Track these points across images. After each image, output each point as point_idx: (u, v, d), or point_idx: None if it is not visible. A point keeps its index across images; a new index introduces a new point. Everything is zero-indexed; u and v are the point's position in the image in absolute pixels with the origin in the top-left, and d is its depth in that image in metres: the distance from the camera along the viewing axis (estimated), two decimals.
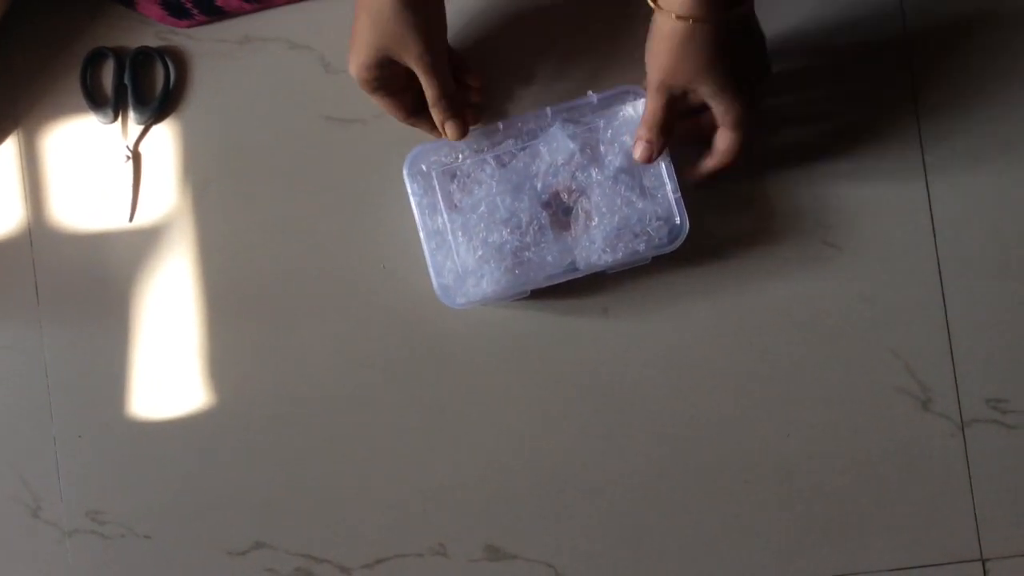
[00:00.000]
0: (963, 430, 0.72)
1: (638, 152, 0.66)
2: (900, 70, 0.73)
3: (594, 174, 0.69)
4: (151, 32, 0.76)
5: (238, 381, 0.75)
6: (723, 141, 0.66)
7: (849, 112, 0.73)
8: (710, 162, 0.67)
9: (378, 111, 0.74)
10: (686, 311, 0.73)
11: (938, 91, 0.72)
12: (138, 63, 0.76)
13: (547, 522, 0.74)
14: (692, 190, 0.69)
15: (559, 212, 0.70)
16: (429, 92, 0.65)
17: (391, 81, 0.66)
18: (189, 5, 0.74)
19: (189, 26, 0.75)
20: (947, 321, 0.72)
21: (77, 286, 0.76)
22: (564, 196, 0.69)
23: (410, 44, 0.62)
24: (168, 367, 0.76)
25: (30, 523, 0.76)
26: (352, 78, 0.65)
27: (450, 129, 0.67)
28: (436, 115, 0.67)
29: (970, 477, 0.72)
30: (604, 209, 0.68)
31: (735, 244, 0.73)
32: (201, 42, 0.76)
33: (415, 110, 0.69)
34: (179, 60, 0.76)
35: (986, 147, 0.72)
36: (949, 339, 0.72)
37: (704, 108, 0.64)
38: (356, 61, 0.64)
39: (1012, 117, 0.72)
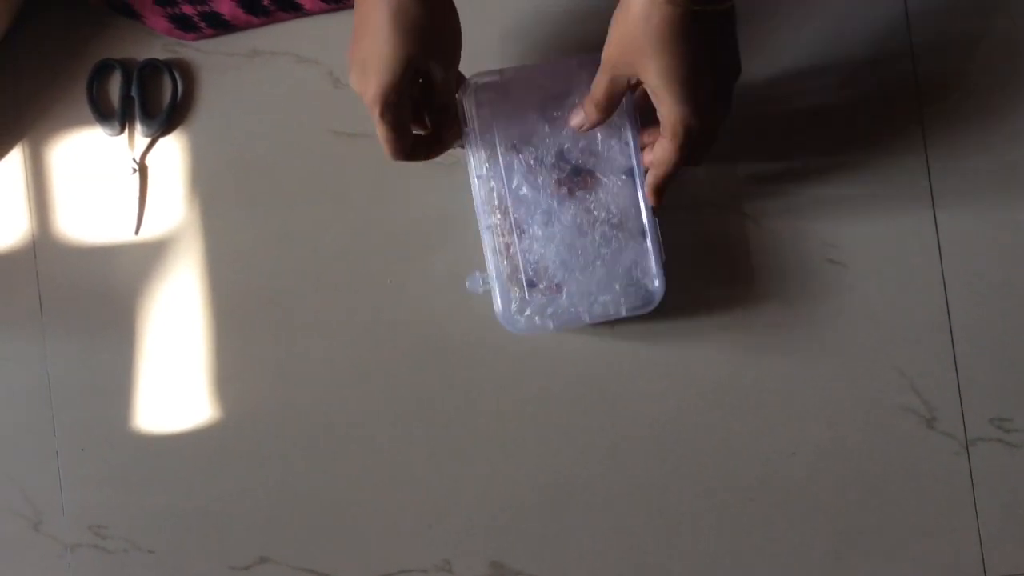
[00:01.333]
0: (967, 449, 0.73)
1: (573, 118, 0.65)
2: (906, 89, 0.74)
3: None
4: (159, 44, 0.76)
5: (242, 395, 0.76)
6: (658, 148, 0.60)
7: (855, 131, 0.74)
8: (649, 176, 0.63)
9: None
10: (691, 328, 0.74)
11: (944, 112, 0.74)
12: (145, 75, 0.76)
13: (552, 539, 0.74)
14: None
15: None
16: (448, 92, 0.63)
17: (408, 105, 0.60)
18: (196, 19, 0.74)
19: (196, 39, 0.76)
20: (952, 340, 0.73)
21: (81, 299, 0.76)
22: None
23: (452, 43, 0.59)
24: (172, 380, 0.76)
25: (31, 537, 0.76)
26: (368, 102, 0.59)
27: (452, 135, 0.66)
28: (446, 116, 0.65)
29: (974, 495, 0.73)
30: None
31: (740, 262, 0.74)
32: (209, 55, 0.76)
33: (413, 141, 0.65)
34: (187, 73, 0.76)
35: (992, 169, 0.73)
36: (954, 358, 0.73)
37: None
38: (381, 80, 0.57)
39: (1019, 140, 0.73)
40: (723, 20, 0.56)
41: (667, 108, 0.57)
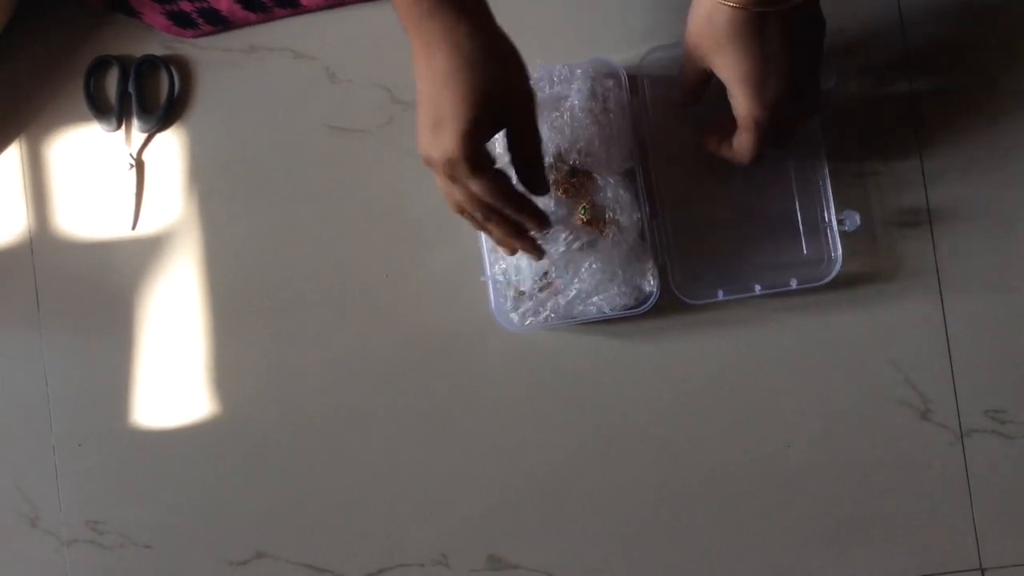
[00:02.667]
0: (962, 440, 0.74)
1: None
2: (898, 73, 0.75)
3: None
4: (156, 40, 0.78)
5: (239, 390, 0.77)
6: (737, 139, 0.63)
7: (849, 120, 0.75)
8: (726, 151, 0.65)
9: (382, 120, 0.76)
10: (685, 321, 0.75)
11: (939, 110, 0.75)
12: (142, 71, 0.77)
13: (549, 532, 0.75)
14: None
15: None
16: (534, 140, 0.59)
17: (487, 150, 0.57)
18: (195, 15, 0.76)
19: (194, 36, 0.77)
20: (946, 332, 0.74)
21: (78, 294, 0.77)
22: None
23: (521, 78, 0.56)
24: (169, 376, 0.77)
25: (28, 532, 0.77)
26: (441, 162, 0.55)
27: (542, 187, 0.61)
28: (535, 170, 0.60)
29: (969, 487, 0.74)
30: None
31: (731, 257, 0.75)
32: (206, 51, 0.78)
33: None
34: (184, 69, 0.78)
35: (984, 157, 0.75)
36: (948, 350, 0.75)
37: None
38: (457, 130, 0.54)
39: (1010, 128, 0.75)
40: (790, 18, 0.57)
41: (738, 104, 0.60)
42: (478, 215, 0.59)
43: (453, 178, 0.56)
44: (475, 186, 0.56)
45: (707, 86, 0.64)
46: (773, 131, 0.61)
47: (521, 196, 0.60)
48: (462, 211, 0.61)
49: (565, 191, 0.71)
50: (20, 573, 0.77)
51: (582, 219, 0.71)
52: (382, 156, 0.76)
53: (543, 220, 0.62)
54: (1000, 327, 0.75)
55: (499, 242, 0.64)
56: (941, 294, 0.75)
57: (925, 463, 0.74)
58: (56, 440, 0.77)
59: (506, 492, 0.76)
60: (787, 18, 0.57)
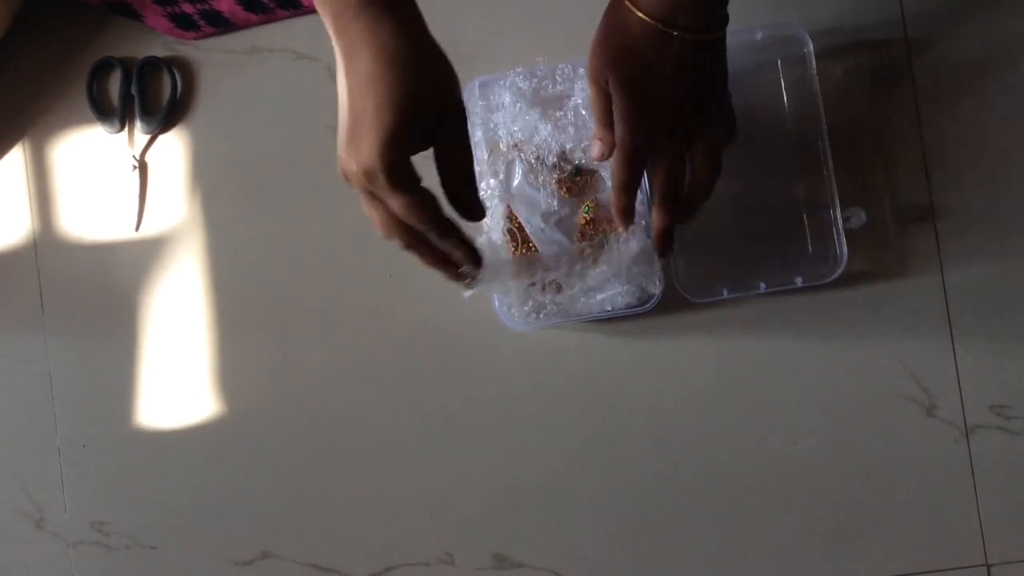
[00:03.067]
0: (967, 436, 0.74)
1: (592, 150, 0.64)
2: (899, 61, 0.76)
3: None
4: (158, 42, 0.78)
5: (243, 390, 0.77)
6: (612, 166, 0.60)
7: (852, 118, 0.75)
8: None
9: None
10: (687, 319, 0.76)
11: (943, 107, 0.75)
12: (145, 73, 0.78)
13: (553, 530, 0.76)
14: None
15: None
16: (464, 157, 0.53)
17: (411, 165, 0.51)
18: (196, 17, 0.76)
19: (196, 38, 0.77)
20: (951, 328, 0.75)
21: (82, 296, 0.78)
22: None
23: (451, 86, 0.51)
24: (173, 377, 0.78)
25: (34, 534, 0.78)
26: (359, 174, 0.50)
27: (477, 212, 0.55)
28: (467, 194, 0.55)
29: (974, 483, 0.74)
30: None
31: (735, 254, 0.75)
32: (208, 52, 0.78)
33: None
34: (186, 70, 0.78)
35: (988, 155, 0.75)
36: (953, 346, 0.75)
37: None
38: (377, 139, 0.48)
39: (1015, 125, 0.75)
40: (698, 47, 0.56)
41: (616, 100, 0.58)
42: (399, 240, 0.54)
43: (372, 195, 0.51)
44: (395, 204, 0.51)
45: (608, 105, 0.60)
46: (662, 176, 0.60)
47: (447, 222, 0.53)
48: (390, 233, 0.54)
49: (569, 190, 0.72)
50: (26, 574, 0.78)
51: (585, 217, 0.71)
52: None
53: (472, 255, 0.56)
54: (1004, 323, 0.75)
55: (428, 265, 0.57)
56: (945, 291, 0.75)
57: (930, 459, 0.74)
58: (61, 442, 0.78)
59: (511, 491, 0.76)
60: (697, 46, 0.56)
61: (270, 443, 0.77)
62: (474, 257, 0.56)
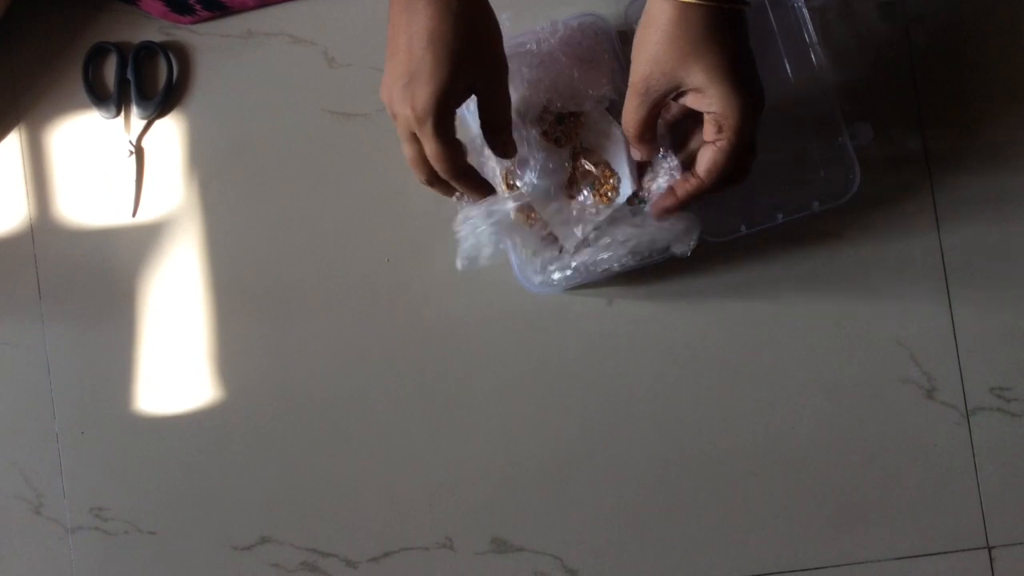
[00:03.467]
0: (968, 418, 0.75)
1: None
2: (900, 46, 0.76)
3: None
4: (154, 27, 0.78)
5: (242, 375, 0.78)
6: (708, 153, 0.58)
7: (848, 83, 0.76)
8: (686, 185, 0.61)
9: (382, 104, 0.75)
10: (690, 303, 0.76)
11: (937, 80, 0.75)
12: (141, 58, 0.78)
13: (553, 514, 0.76)
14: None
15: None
16: (504, 107, 0.61)
17: (454, 117, 0.58)
18: (192, 1, 0.76)
19: (192, 22, 0.77)
20: (951, 310, 0.75)
21: (79, 282, 0.78)
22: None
23: (499, 45, 0.57)
24: (171, 362, 0.78)
25: (32, 520, 0.78)
26: (417, 116, 0.56)
27: (511, 151, 0.63)
28: (504, 136, 0.62)
29: (975, 465, 0.74)
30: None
31: (738, 238, 0.75)
32: (204, 37, 0.78)
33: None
34: (182, 55, 0.78)
35: (987, 136, 0.75)
36: (953, 328, 0.75)
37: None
38: (434, 89, 0.55)
39: (1016, 107, 0.75)
40: (743, 21, 0.56)
41: (719, 100, 0.56)
42: (422, 176, 0.61)
43: (413, 136, 0.58)
44: (430, 149, 0.57)
45: (657, 120, 0.61)
46: (749, 132, 0.58)
47: (471, 171, 0.61)
48: (418, 169, 0.61)
49: (556, 141, 0.69)
50: (25, 561, 0.78)
51: (570, 167, 0.70)
52: (382, 141, 0.77)
53: (487, 191, 0.63)
54: (1005, 303, 0.75)
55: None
56: (945, 271, 0.75)
57: (931, 442, 0.75)
58: (59, 428, 0.78)
59: (510, 474, 0.76)
60: (742, 19, 0.56)
61: (269, 428, 0.77)
62: (489, 189, 0.63)
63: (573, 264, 0.68)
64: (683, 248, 0.67)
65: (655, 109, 0.59)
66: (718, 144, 0.57)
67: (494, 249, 0.66)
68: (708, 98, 0.56)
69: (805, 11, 0.70)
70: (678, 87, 0.57)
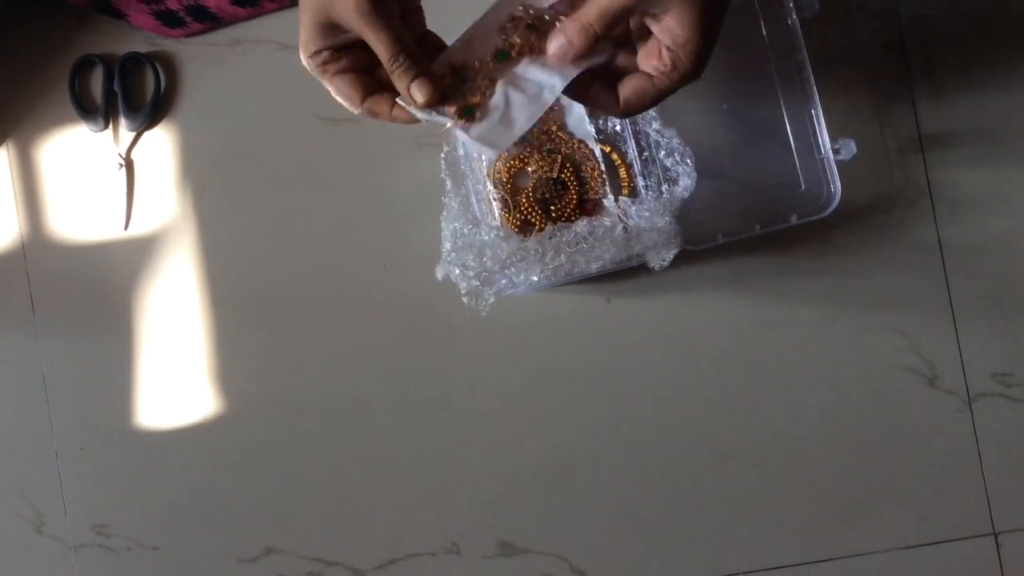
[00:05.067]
0: (970, 405, 0.76)
1: (555, 46, 0.54)
2: (892, 39, 0.77)
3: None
4: (140, 37, 0.79)
5: (240, 386, 0.79)
6: (638, 83, 0.54)
7: (842, 82, 0.77)
8: (646, 85, 0.54)
9: None
10: (688, 298, 0.77)
11: (930, 66, 0.77)
12: (127, 69, 0.79)
13: (558, 515, 0.77)
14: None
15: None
16: (379, 51, 0.54)
17: (344, 56, 0.56)
18: (182, 13, 0.77)
19: (183, 36, 0.78)
20: (950, 297, 0.76)
21: (73, 296, 0.79)
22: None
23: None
24: (169, 375, 0.79)
25: (34, 539, 0.79)
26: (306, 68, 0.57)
27: (418, 89, 0.54)
28: (397, 80, 0.54)
29: (979, 452, 0.76)
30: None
31: (736, 231, 0.77)
32: (191, 46, 0.79)
33: (372, 89, 0.57)
34: (169, 65, 0.79)
35: (984, 127, 0.77)
36: (952, 315, 0.76)
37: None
38: (301, 35, 0.56)
39: (1008, 89, 0.77)
40: None
41: (686, 43, 0.52)
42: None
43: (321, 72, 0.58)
44: (329, 87, 0.58)
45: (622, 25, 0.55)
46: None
47: (373, 105, 0.57)
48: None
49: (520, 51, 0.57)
50: None
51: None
52: (374, 144, 0.78)
53: (427, 91, 0.55)
54: (1004, 289, 0.77)
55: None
56: (943, 258, 0.76)
57: (934, 430, 0.76)
58: (58, 445, 0.79)
59: (513, 477, 0.78)
60: None
61: (269, 438, 0.78)
62: (413, 109, 0.56)
63: (551, 265, 0.68)
64: (659, 261, 0.68)
65: (623, 16, 0.53)
66: (656, 81, 0.54)
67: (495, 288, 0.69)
68: (678, 30, 0.52)
69: (797, 22, 0.71)
70: (666, 18, 0.52)
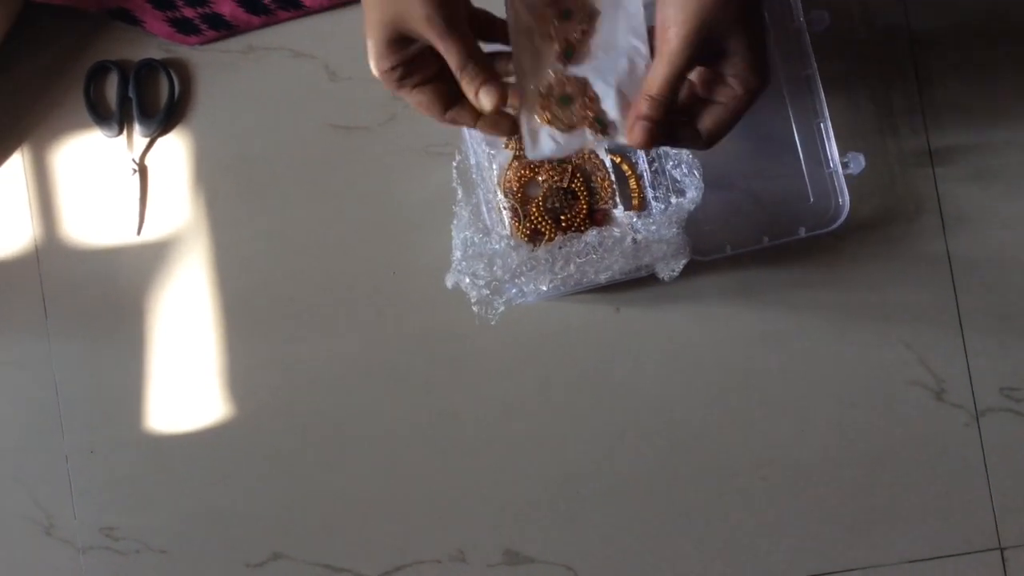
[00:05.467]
0: (978, 419, 0.77)
1: (637, 134, 0.55)
2: (901, 43, 0.78)
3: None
4: (154, 44, 0.80)
5: (250, 392, 0.80)
6: (718, 113, 0.56)
7: (851, 102, 0.78)
8: (723, 113, 0.56)
9: (383, 117, 0.79)
10: (697, 309, 0.78)
11: (942, 73, 0.78)
12: (142, 75, 0.80)
13: (564, 524, 0.78)
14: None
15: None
16: (450, 59, 0.55)
17: (418, 67, 0.57)
18: (197, 21, 0.78)
19: (198, 43, 0.79)
20: (958, 311, 0.77)
21: (85, 301, 0.80)
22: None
23: (416, 4, 0.54)
24: (179, 380, 0.80)
25: (44, 541, 0.80)
26: (378, 79, 0.58)
27: (484, 96, 0.55)
28: (466, 86, 0.56)
29: (986, 466, 0.76)
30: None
31: (745, 243, 0.78)
32: (205, 53, 0.80)
33: (453, 100, 0.58)
34: (183, 71, 0.80)
35: (993, 139, 0.77)
36: (961, 329, 0.77)
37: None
38: (371, 52, 0.56)
39: (1022, 129, 0.77)
40: None
41: (751, 68, 0.53)
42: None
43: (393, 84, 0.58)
44: (406, 98, 0.58)
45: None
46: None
47: (454, 114, 0.59)
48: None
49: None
50: None
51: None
52: (385, 153, 0.79)
53: (494, 96, 0.56)
54: (1012, 303, 0.77)
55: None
56: (952, 272, 0.77)
57: (941, 444, 0.77)
58: (68, 449, 0.80)
59: (521, 486, 0.78)
60: None
61: (278, 443, 0.79)
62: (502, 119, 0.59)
63: (561, 275, 0.69)
64: (669, 271, 0.69)
65: (687, 74, 0.54)
66: (731, 106, 0.56)
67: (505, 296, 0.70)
68: (740, 60, 0.53)
69: (807, 36, 0.72)
70: (725, 50, 0.53)
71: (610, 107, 0.56)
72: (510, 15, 0.57)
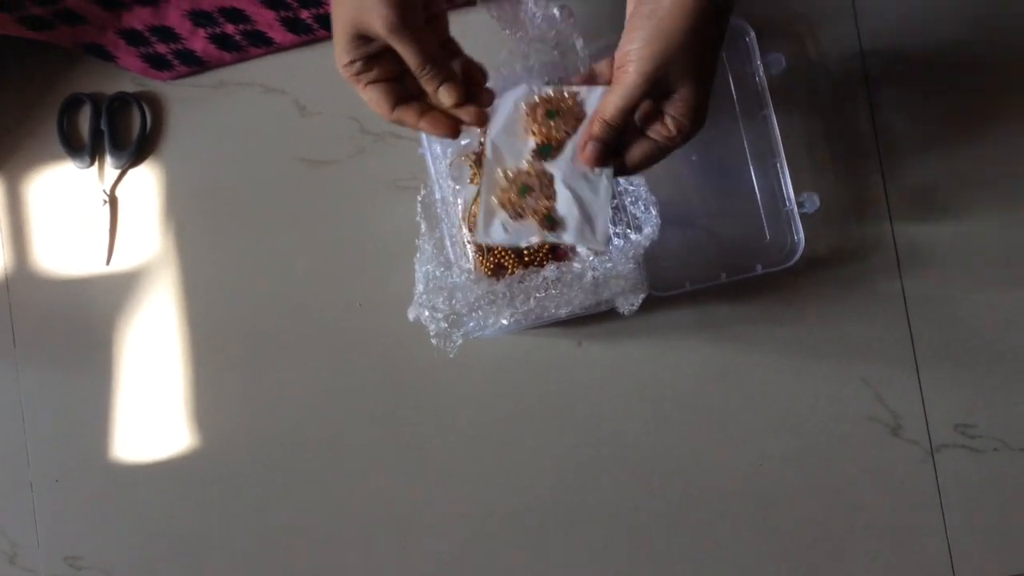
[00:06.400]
0: (933, 455, 0.79)
1: (589, 152, 0.59)
2: (855, 72, 0.81)
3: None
4: (127, 77, 0.83)
5: (216, 422, 0.81)
6: (646, 148, 0.59)
7: (808, 136, 0.80)
8: (652, 149, 0.59)
9: (352, 151, 0.81)
10: (658, 343, 0.80)
11: (896, 96, 0.80)
12: (114, 108, 0.82)
13: (527, 562, 0.79)
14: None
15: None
16: (408, 60, 0.58)
17: (377, 64, 0.59)
18: (170, 56, 0.81)
19: (171, 78, 0.82)
20: (914, 348, 0.79)
21: (54, 330, 0.82)
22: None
23: (374, 6, 0.56)
24: (146, 410, 0.82)
25: (6, 570, 0.81)
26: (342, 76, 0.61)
27: (444, 93, 0.59)
28: (426, 85, 0.59)
29: (941, 502, 0.78)
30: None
31: (706, 278, 0.80)
32: (177, 87, 0.83)
33: (401, 99, 0.61)
34: (155, 105, 0.83)
35: (948, 178, 0.80)
36: (916, 366, 0.79)
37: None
38: (335, 45, 0.59)
39: (976, 169, 0.80)
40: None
41: (692, 109, 0.57)
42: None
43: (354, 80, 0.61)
44: (362, 95, 0.61)
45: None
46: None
47: (400, 114, 0.61)
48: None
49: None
50: None
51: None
52: (354, 187, 0.81)
53: (454, 94, 0.60)
54: (967, 341, 0.79)
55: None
56: (907, 310, 0.79)
57: (897, 480, 0.79)
58: (33, 476, 0.81)
59: (483, 517, 0.80)
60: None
61: (244, 474, 0.81)
62: (457, 121, 0.61)
63: (521, 310, 0.71)
64: (628, 306, 0.71)
65: (638, 106, 0.58)
66: (661, 144, 0.59)
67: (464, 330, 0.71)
68: (683, 104, 0.57)
69: (764, 79, 0.75)
70: (673, 91, 0.57)
71: (563, 208, 0.60)
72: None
